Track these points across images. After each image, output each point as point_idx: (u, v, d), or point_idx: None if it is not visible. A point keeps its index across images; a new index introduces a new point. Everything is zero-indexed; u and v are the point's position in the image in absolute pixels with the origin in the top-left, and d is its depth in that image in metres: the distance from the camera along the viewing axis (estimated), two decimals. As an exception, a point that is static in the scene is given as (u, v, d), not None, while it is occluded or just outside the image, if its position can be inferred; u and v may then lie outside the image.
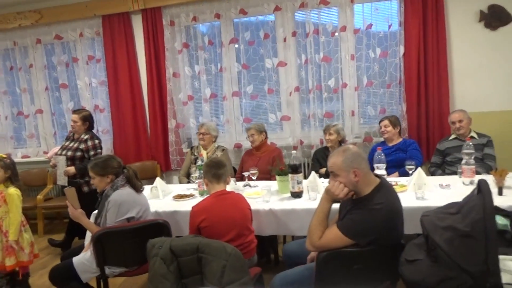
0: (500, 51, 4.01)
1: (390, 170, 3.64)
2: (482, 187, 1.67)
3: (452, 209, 1.81)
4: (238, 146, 4.58)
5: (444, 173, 3.63)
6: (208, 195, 2.55)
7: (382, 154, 2.90)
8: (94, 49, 4.84)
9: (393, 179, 3.15)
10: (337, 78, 4.28)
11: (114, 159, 2.56)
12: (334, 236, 1.96)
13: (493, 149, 3.54)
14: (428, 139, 4.18)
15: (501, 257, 1.71)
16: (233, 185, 3.17)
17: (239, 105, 4.56)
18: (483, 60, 4.06)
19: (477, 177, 2.98)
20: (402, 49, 4.09)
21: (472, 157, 2.89)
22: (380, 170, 2.84)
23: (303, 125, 4.47)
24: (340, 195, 2.01)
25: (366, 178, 2.01)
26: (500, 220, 2.25)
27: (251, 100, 4.52)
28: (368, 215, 1.93)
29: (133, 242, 2.40)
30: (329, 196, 2.06)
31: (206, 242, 2.00)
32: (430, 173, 3.78)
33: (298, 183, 2.85)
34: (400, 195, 2.71)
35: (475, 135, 3.62)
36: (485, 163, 3.44)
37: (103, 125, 4.87)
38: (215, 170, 2.51)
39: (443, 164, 3.73)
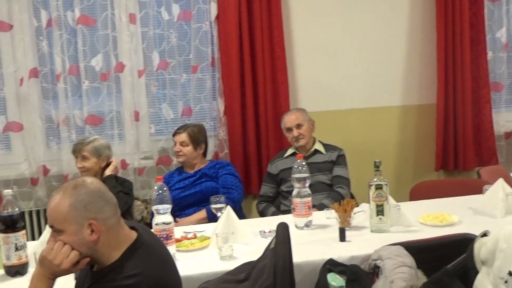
0: (363, 14, 4.67)
1: (192, 210, 3.85)
2: (278, 235, 1.84)
3: (242, 273, 1.95)
4: None
5: (279, 210, 3.94)
6: None
7: (165, 189, 2.98)
8: None
9: (190, 229, 3.28)
10: (108, 54, 4.39)
11: None
12: None
13: (346, 168, 4.01)
14: (260, 157, 4.54)
15: None
16: None
17: None
18: (338, 31, 4.67)
19: (319, 215, 3.33)
20: (214, 8, 4.41)
21: (307, 184, 3.19)
22: (161, 215, 2.92)
23: (49, 139, 4.50)
24: (64, 266, 1.99)
25: (113, 235, 2.02)
26: (334, 281, 2.58)
27: None
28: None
29: None
30: (46, 269, 2.02)
31: None
32: (259, 212, 4.08)
33: (17, 249, 2.77)
34: (200, 255, 2.87)
35: (320, 148, 4.05)
36: (334, 191, 3.86)
37: None
38: None
39: (278, 197, 4.07)
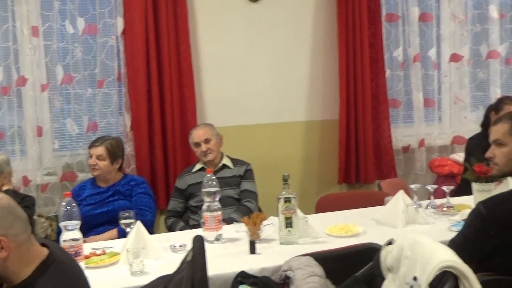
0: (268, 32, 4.79)
1: (102, 229, 3.80)
2: (194, 248, 1.85)
3: (158, 287, 1.95)
4: None
5: (188, 225, 3.95)
6: None
7: (73, 204, 2.93)
8: None
9: (98, 246, 3.21)
10: (9, 67, 4.28)
11: None
12: None
13: (254, 182, 4.09)
14: (167, 172, 4.55)
15: None
16: None
17: None
18: (244, 48, 4.77)
19: (228, 229, 3.36)
20: (120, 23, 4.41)
21: (217, 198, 3.21)
22: (69, 231, 2.86)
23: None
24: (-32, 286, 1.94)
25: (23, 251, 1.99)
26: (246, 293, 2.62)
27: None
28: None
29: None
30: None
31: None
32: (167, 227, 4.07)
33: None
34: (110, 271, 2.84)
35: (228, 163, 4.12)
36: (242, 205, 3.92)
37: None
38: None
39: (186, 212, 4.09)
